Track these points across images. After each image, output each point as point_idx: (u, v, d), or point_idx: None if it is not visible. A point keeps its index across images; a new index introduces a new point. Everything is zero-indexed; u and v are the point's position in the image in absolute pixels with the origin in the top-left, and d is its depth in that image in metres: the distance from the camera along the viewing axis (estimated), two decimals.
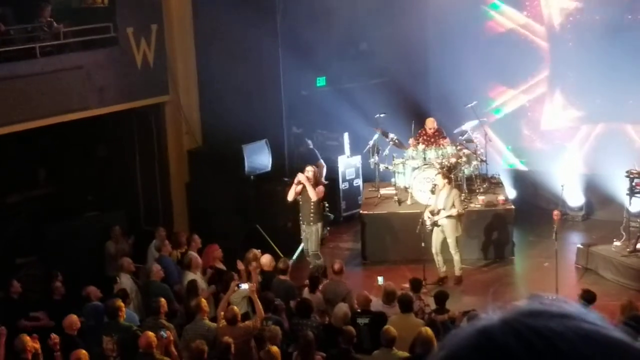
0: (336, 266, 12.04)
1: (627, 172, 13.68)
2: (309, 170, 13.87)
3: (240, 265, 11.95)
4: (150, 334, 9.33)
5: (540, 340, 1.13)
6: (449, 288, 12.91)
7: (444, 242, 13.63)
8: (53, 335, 9.75)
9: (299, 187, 13.76)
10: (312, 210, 13.75)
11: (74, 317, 10.30)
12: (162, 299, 10.61)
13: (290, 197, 13.84)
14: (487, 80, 17.01)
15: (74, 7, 14.93)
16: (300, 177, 13.74)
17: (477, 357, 1.15)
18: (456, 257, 13.71)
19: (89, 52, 14.31)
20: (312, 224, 13.78)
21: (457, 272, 13.79)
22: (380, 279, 12.25)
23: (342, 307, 10.46)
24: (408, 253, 14.34)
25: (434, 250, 13.71)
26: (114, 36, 14.54)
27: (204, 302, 10.56)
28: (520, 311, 1.19)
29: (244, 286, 10.80)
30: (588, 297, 10.18)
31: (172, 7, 15.52)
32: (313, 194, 13.59)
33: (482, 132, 15.89)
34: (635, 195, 13.66)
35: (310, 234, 13.84)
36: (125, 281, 12.03)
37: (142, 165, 15.86)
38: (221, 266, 12.83)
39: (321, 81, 17.25)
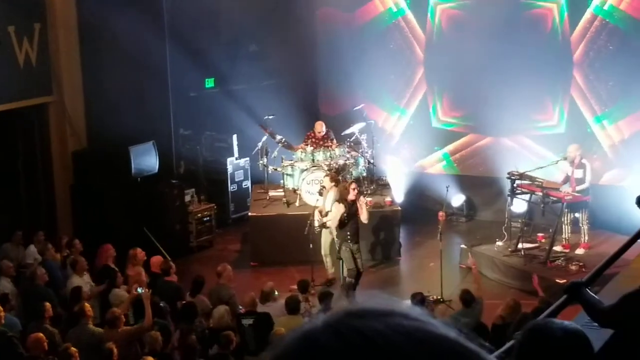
0: (220, 269, 11.97)
1: (508, 173, 13.99)
2: (354, 187, 13.11)
3: (130, 271, 11.80)
4: (40, 335, 9.18)
5: (360, 338, 1.16)
6: (337, 289, 13.00)
7: (332, 244, 13.72)
8: None
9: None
10: (357, 230, 13.22)
11: None
12: (47, 303, 10.41)
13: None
14: (376, 83, 17.15)
15: None
16: (361, 200, 13.09)
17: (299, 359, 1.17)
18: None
19: None
20: (356, 242, 13.19)
21: (345, 273, 13.89)
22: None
23: (220, 309, 10.43)
24: (296, 254, 14.38)
25: (322, 252, 13.80)
26: None
27: (87, 306, 10.36)
28: (344, 312, 1.22)
29: (140, 290, 10.66)
30: (467, 297, 10.39)
31: (56, 6, 15.15)
32: (366, 217, 13.17)
33: (370, 135, 16.05)
34: (516, 196, 14.03)
35: (349, 252, 13.10)
36: (6, 284, 11.74)
37: (24, 168, 15.41)
38: (114, 266, 12.64)
39: (210, 82, 17.13)
